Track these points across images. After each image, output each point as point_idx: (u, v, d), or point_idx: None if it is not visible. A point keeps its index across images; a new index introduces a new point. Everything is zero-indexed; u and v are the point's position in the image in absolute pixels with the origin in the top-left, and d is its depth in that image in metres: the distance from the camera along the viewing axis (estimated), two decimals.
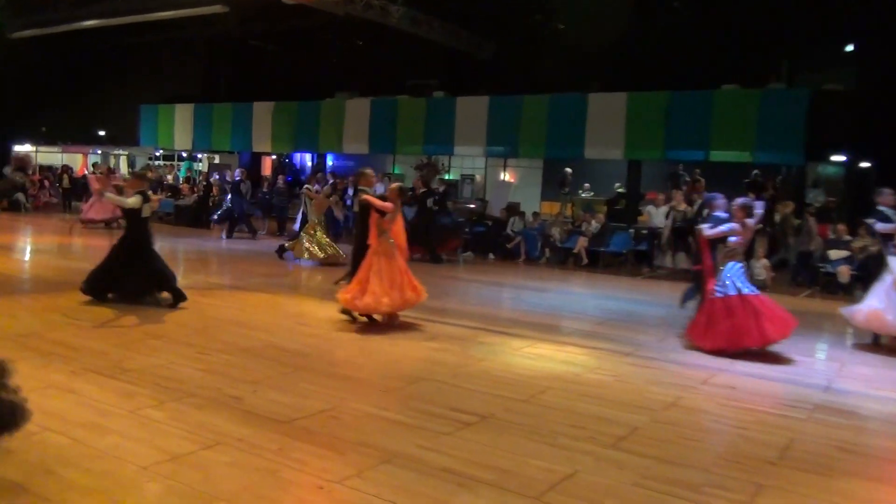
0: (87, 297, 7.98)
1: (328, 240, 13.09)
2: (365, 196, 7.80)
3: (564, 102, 15.97)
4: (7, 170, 4.48)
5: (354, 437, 4.32)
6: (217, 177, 20.42)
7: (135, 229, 8.13)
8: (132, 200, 8.01)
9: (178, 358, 5.90)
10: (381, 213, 7.58)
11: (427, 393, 5.33)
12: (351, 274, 7.73)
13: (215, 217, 17.99)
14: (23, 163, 5.20)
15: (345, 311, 7.69)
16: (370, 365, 6.10)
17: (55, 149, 29.25)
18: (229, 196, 17.19)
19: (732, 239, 7.25)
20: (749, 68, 15.86)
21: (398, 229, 7.74)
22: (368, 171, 8.55)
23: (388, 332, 7.36)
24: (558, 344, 7.27)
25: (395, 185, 8.06)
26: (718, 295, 7.08)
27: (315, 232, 12.95)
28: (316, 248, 12.82)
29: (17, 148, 28.63)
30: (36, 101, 28.43)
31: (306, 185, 14.42)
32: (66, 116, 28.50)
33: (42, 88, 28.19)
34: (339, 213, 13.36)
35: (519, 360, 6.53)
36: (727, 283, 7.08)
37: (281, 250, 13.16)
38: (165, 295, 8.11)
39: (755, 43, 16.30)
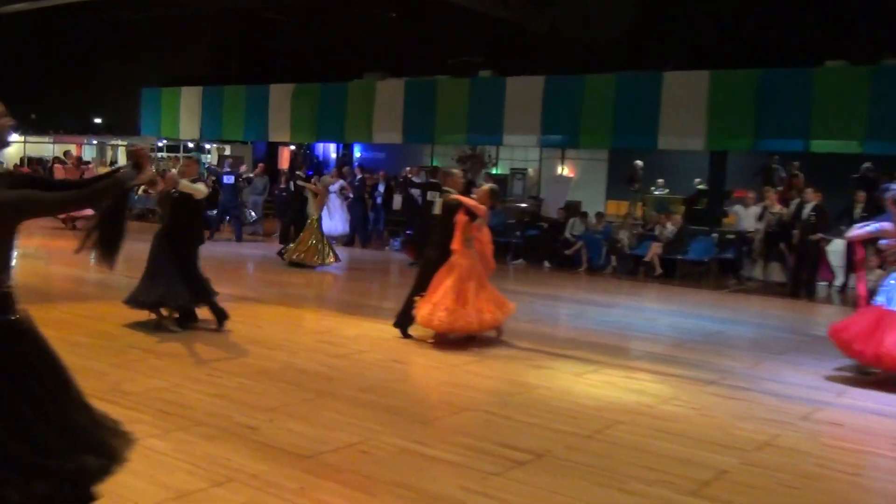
0: (79, 310, 8.08)
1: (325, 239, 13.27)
2: (456, 196, 7.98)
3: (634, 83, 15.83)
4: (126, 165, 4.47)
5: (388, 475, 4.33)
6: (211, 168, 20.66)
7: (192, 222, 7.88)
8: (203, 188, 7.91)
9: (185, 380, 6.00)
10: (472, 216, 7.72)
11: (473, 425, 5.32)
12: (420, 287, 7.87)
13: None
14: (138, 157, 4.97)
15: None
16: (406, 391, 6.12)
17: (46, 139, 30.04)
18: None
19: (884, 242, 7.07)
20: (858, 41, 15.52)
21: (485, 238, 7.95)
22: (456, 171, 8.84)
23: (428, 354, 7.38)
24: (627, 369, 7.21)
25: (486, 186, 8.23)
26: (875, 303, 7.01)
27: (316, 229, 13.11)
28: (328, 249, 13.00)
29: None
30: (25, 85, 29.26)
31: (296, 172, 14.35)
32: (59, 102, 29.27)
33: (32, 71, 29.04)
34: (314, 213, 13.40)
35: (581, 388, 6.49)
36: (885, 294, 6.97)
37: (296, 262, 13.16)
38: (166, 312, 7.83)
39: (865, 10, 15.94)
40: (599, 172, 20.36)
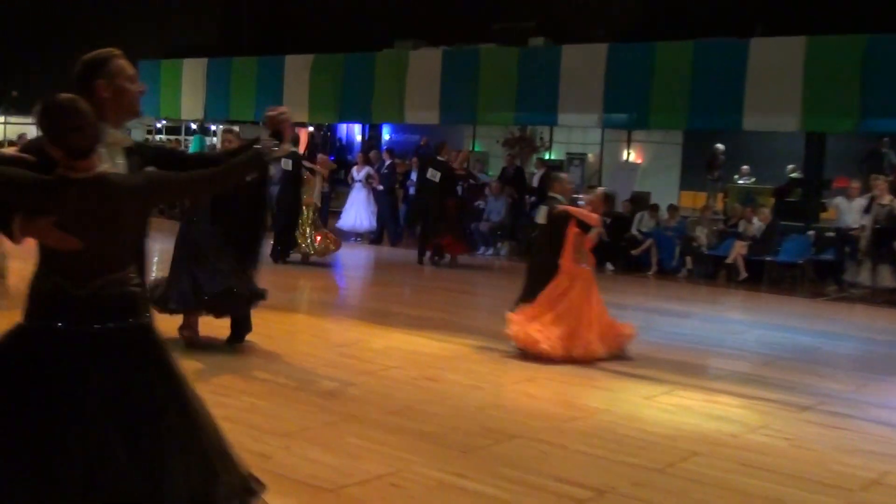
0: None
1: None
2: (564, 207, 8.11)
3: (715, 51, 15.68)
4: (263, 136, 4.34)
5: None
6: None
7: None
8: None
9: None
10: (585, 227, 7.88)
11: (522, 455, 5.32)
12: (524, 299, 8.09)
13: None
14: (278, 124, 3.74)
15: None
16: (444, 414, 6.12)
17: (29, 119, 30.60)
18: None
19: None
20: None
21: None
22: (563, 175, 8.97)
23: (469, 371, 7.39)
24: (706, 391, 7.16)
25: (600, 190, 8.39)
26: None
27: (315, 217, 13.27)
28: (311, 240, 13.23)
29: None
30: (4, 58, 29.87)
31: (293, 150, 14.16)
32: (44, 77, 29.69)
33: (12, 41, 29.58)
34: (316, 198, 13.45)
35: (651, 412, 6.47)
36: None
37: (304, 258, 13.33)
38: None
39: None
40: (672, 158, 20.21)
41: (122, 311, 3.01)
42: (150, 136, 27.67)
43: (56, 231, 2.90)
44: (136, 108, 3.30)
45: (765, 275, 14.23)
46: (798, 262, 14.29)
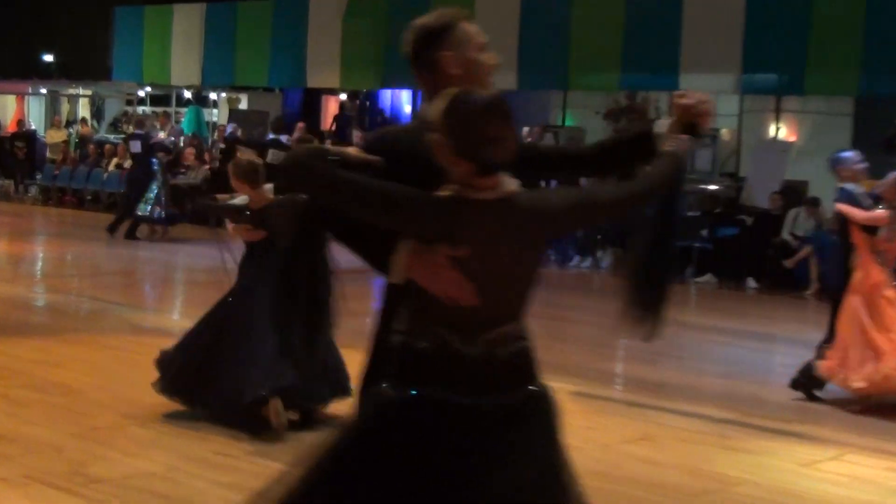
0: (23, 350, 8.30)
1: None
2: (840, 207, 8.31)
3: None
4: (662, 126, 4.32)
5: None
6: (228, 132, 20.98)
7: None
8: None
9: (184, 461, 6.12)
10: (871, 229, 8.11)
11: None
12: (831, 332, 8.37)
13: None
14: (698, 114, 3.48)
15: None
16: None
17: None
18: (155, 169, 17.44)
19: None
20: None
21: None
22: (848, 154, 8.97)
23: (569, 423, 7.35)
24: (890, 457, 7.08)
25: (893, 174, 8.50)
26: None
27: None
28: None
29: None
30: None
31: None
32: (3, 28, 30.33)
33: None
34: None
35: (812, 484, 6.42)
36: None
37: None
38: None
39: None
40: (838, 134, 19.91)
41: (519, 376, 3.00)
42: (129, 109, 27.97)
43: (454, 272, 2.78)
44: (490, 86, 3.22)
45: None
46: None
